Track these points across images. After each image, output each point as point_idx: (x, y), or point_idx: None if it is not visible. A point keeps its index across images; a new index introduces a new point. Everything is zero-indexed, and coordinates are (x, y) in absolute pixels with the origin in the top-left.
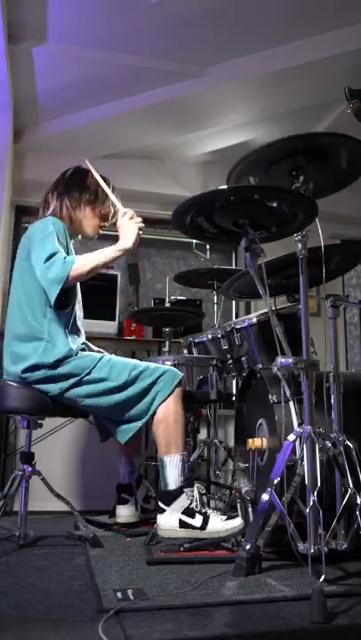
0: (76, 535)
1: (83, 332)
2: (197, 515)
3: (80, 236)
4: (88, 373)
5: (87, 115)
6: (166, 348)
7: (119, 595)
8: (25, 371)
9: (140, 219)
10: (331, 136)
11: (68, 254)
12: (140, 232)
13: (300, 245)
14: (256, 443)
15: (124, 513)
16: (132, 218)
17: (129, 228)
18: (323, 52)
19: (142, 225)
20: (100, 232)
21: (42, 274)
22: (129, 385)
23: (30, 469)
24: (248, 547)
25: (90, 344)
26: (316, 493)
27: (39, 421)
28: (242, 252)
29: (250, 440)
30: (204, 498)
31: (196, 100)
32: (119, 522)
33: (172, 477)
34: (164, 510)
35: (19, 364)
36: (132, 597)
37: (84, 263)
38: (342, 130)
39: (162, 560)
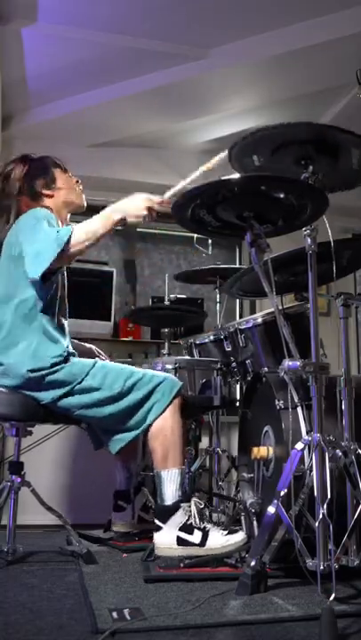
0: (69, 551)
1: (67, 333)
2: (196, 531)
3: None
4: (80, 381)
5: (81, 100)
6: (165, 350)
7: (115, 614)
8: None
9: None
10: (336, 130)
11: None
12: (151, 213)
13: (308, 240)
14: (262, 452)
15: (120, 521)
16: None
17: (137, 196)
18: (333, 33)
19: (155, 206)
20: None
21: (37, 244)
22: (124, 395)
23: (19, 480)
24: (253, 563)
25: (93, 348)
26: (325, 506)
27: (29, 429)
28: (246, 248)
29: (255, 449)
30: (206, 511)
31: (196, 84)
32: (114, 529)
33: (169, 493)
34: (160, 527)
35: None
36: (128, 617)
37: (82, 228)
38: (353, 116)
39: (160, 577)
